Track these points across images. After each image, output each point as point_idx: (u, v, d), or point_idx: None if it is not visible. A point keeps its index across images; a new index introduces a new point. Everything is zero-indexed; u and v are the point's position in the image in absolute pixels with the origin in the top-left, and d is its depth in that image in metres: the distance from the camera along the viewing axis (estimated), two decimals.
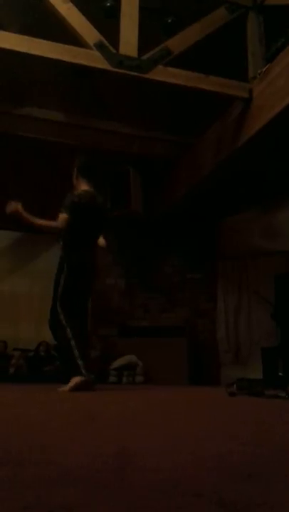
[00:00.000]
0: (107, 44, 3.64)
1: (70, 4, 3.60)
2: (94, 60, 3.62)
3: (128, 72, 3.68)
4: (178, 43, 3.88)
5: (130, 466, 0.68)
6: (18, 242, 7.80)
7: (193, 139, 5.32)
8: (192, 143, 5.37)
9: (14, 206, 3.41)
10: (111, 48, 3.64)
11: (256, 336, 6.39)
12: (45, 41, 3.52)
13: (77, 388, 3.10)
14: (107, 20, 3.88)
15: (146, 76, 3.74)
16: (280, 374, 4.69)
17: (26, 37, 3.49)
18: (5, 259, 7.69)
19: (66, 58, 3.57)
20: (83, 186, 3.73)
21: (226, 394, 3.15)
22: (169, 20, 4.13)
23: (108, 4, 3.93)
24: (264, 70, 3.93)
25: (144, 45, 3.75)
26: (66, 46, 3.58)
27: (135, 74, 3.70)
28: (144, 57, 3.74)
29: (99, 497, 0.51)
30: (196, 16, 3.99)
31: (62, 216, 3.50)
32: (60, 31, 3.66)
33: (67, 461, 0.70)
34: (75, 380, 3.15)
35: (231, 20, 4.09)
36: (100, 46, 3.62)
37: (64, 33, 3.65)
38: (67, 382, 3.20)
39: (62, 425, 1.27)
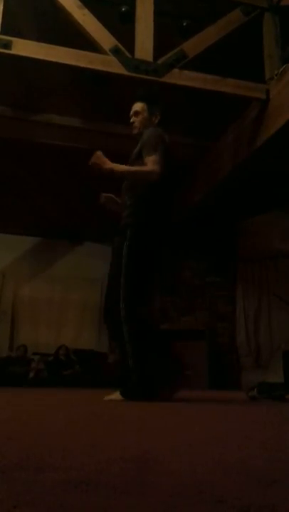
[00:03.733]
0: (123, 49, 3.66)
1: (86, 10, 3.63)
2: (110, 65, 3.64)
3: (144, 77, 3.69)
4: (193, 45, 3.88)
5: (151, 471, 0.67)
6: (36, 248, 7.88)
7: (211, 142, 5.30)
8: (210, 146, 5.35)
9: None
10: (127, 52, 3.66)
11: (277, 340, 6.31)
12: (61, 47, 3.56)
13: None
14: (122, 25, 3.90)
15: (163, 80, 3.75)
16: None
17: (43, 44, 3.53)
18: (25, 264, 7.78)
19: (82, 64, 3.60)
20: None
21: (247, 398, 3.13)
22: (184, 24, 4.13)
23: (123, 9, 3.95)
24: (280, 70, 3.90)
25: (158, 48, 3.76)
26: (82, 52, 3.61)
27: (151, 78, 3.71)
28: (160, 61, 3.74)
29: (119, 502, 0.51)
30: (211, 18, 3.99)
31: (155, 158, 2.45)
32: (76, 37, 3.69)
33: (88, 465, 0.70)
34: None
35: (247, 21, 4.08)
36: (115, 51, 3.64)
37: (80, 39, 3.68)
38: None
39: (83, 429, 1.27)
